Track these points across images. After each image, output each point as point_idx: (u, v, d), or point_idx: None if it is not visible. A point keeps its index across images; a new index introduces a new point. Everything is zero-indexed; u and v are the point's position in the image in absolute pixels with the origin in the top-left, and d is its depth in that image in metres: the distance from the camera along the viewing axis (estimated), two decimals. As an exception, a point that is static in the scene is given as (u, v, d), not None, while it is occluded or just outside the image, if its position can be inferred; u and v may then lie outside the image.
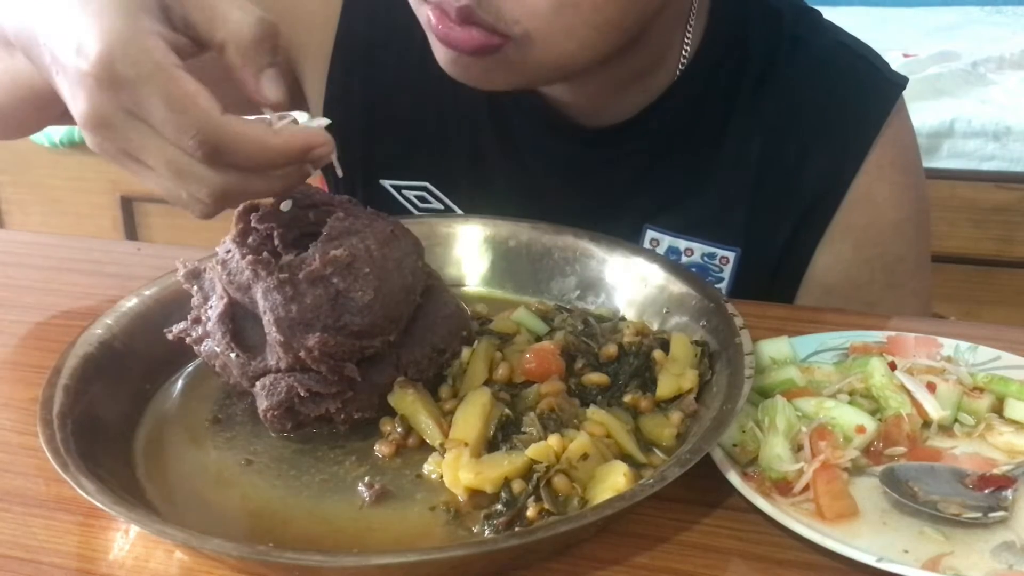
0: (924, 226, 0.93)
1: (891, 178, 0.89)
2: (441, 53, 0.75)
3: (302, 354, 0.60)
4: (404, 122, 0.94)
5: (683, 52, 0.87)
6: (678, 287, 0.74)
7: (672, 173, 0.90)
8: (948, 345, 0.71)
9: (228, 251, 0.63)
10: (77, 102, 0.54)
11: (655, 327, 0.72)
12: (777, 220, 0.89)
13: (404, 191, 0.96)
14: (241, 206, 0.65)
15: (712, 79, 0.88)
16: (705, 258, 0.90)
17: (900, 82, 0.90)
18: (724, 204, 0.89)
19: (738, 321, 0.67)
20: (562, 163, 0.91)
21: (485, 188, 0.93)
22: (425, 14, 0.74)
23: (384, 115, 0.95)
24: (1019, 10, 2.46)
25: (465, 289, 0.81)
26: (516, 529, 0.55)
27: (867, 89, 0.89)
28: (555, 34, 0.71)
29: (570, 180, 0.91)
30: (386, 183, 0.96)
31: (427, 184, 0.95)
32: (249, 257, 0.61)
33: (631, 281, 0.77)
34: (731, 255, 0.90)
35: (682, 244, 0.90)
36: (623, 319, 0.74)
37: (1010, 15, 2.45)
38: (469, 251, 0.83)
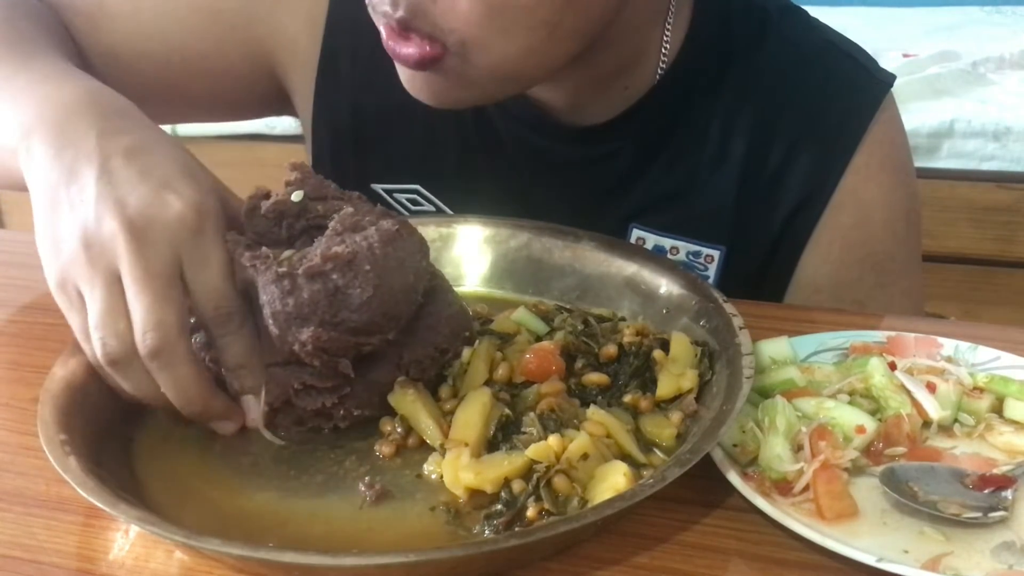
0: (915, 225, 0.93)
1: (880, 177, 0.88)
2: (400, 73, 0.76)
3: (296, 347, 0.60)
4: (392, 127, 0.95)
5: (663, 50, 0.86)
6: (678, 287, 0.74)
7: (657, 171, 0.90)
8: (948, 345, 0.71)
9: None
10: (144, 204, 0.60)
11: (655, 327, 0.72)
12: (763, 219, 0.89)
13: (395, 194, 0.96)
14: (252, 192, 0.66)
15: (696, 77, 0.87)
16: (690, 256, 0.90)
17: (888, 80, 0.90)
18: (709, 203, 0.89)
19: (738, 321, 0.67)
20: (548, 162, 0.91)
21: (473, 189, 0.93)
22: (380, 34, 0.75)
23: (372, 122, 0.95)
24: (1019, 10, 2.46)
25: (465, 289, 0.81)
26: (516, 529, 0.55)
27: (854, 87, 0.89)
28: (491, 39, 0.71)
29: (556, 179, 0.91)
30: (378, 187, 0.96)
31: (417, 187, 0.95)
32: (247, 254, 0.61)
33: (631, 281, 0.77)
34: (716, 253, 0.90)
35: (667, 243, 0.90)
36: (623, 319, 0.74)
37: (1010, 15, 2.45)
38: (469, 251, 0.83)
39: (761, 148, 0.88)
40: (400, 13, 0.70)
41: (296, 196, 0.65)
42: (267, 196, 0.65)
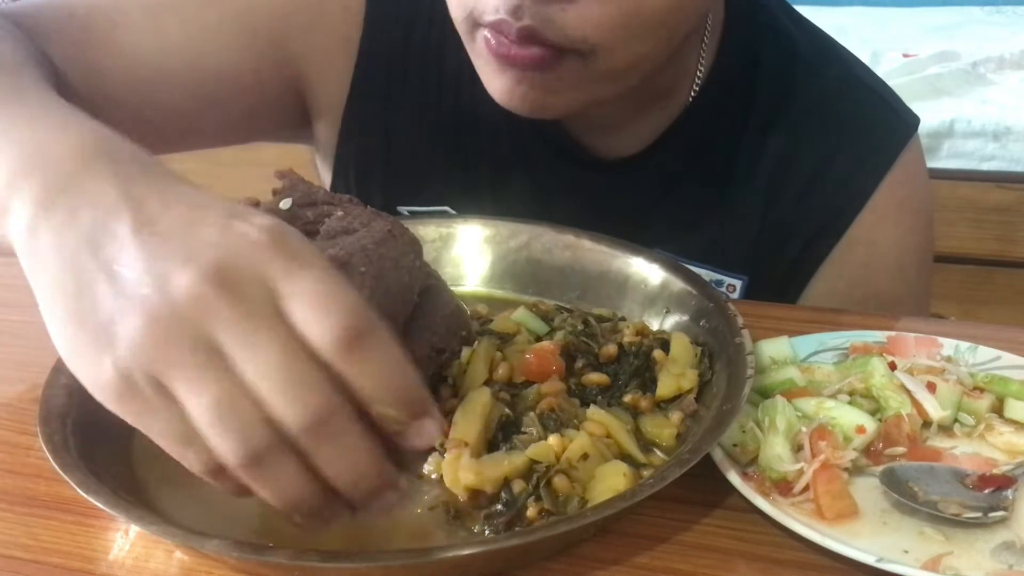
0: (927, 270, 0.92)
1: (897, 218, 0.88)
2: (499, 82, 0.73)
3: None
4: (423, 149, 0.93)
5: (697, 74, 0.86)
6: (678, 287, 0.74)
7: (683, 200, 0.90)
8: (948, 345, 0.71)
9: None
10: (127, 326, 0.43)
11: (655, 327, 0.72)
12: (782, 250, 0.89)
13: (422, 216, 0.95)
14: (240, 203, 0.65)
15: (724, 107, 0.87)
16: (712, 285, 0.89)
17: (913, 122, 0.90)
18: (732, 232, 0.89)
19: (739, 321, 0.67)
20: (580, 191, 0.91)
21: (502, 211, 0.90)
22: (481, 39, 0.73)
23: (402, 143, 0.93)
24: (1019, 10, 2.46)
25: (465, 289, 0.81)
26: (516, 529, 0.55)
27: (879, 127, 0.89)
28: (622, 44, 0.71)
29: (586, 207, 0.90)
30: (404, 209, 0.94)
31: (446, 208, 0.94)
32: None
33: (631, 281, 0.77)
34: (738, 283, 0.89)
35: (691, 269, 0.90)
36: (623, 319, 0.74)
37: (1010, 15, 2.45)
38: (469, 251, 0.83)
39: (783, 180, 0.88)
40: (525, 22, 0.68)
41: (284, 204, 0.65)
42: (256, 206, 0.65)
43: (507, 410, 0.62)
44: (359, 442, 0.44)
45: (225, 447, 0.43)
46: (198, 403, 0.42)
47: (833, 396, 0.64)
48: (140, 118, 0.85)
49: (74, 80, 0.78)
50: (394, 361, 0.45)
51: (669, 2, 0.71)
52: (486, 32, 0.71)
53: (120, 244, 0.45)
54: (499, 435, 0.61)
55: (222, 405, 0.42)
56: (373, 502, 0.46)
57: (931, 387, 0.65)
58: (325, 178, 1.00)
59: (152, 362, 0.43)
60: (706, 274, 0.89)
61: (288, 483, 0.44)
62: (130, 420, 0.45)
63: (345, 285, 0.45)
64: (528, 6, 0.68)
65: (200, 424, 0.43)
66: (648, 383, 0.66)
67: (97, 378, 0.44)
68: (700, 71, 0.86)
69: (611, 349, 0.67)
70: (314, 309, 0.43)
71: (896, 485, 0.58)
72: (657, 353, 0.67)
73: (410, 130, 0.93)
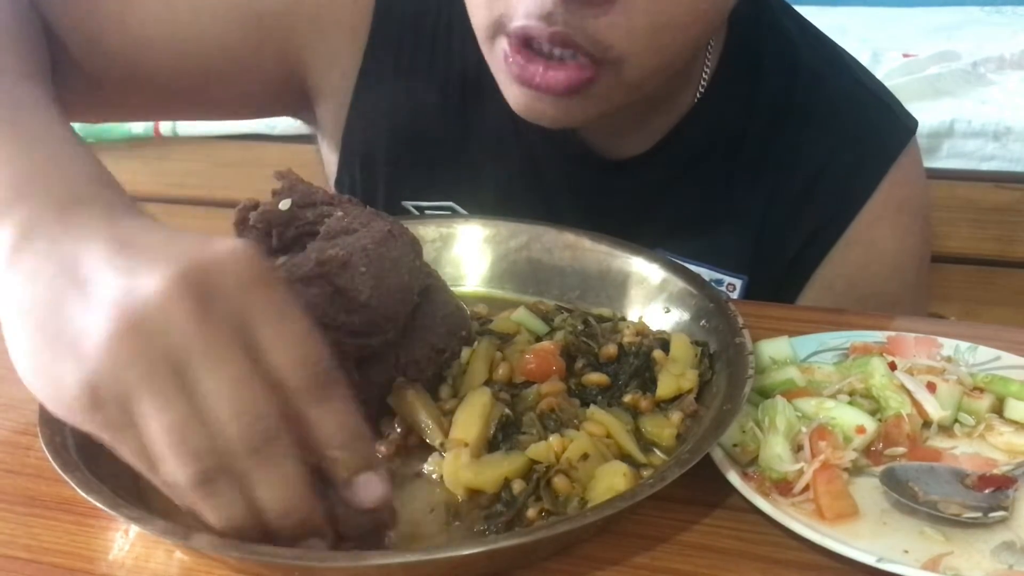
0: (924, 271, 0.93)
1: (895, 219, 0.89)
2: (516, 92, 0.73)
3: None
4: (429, 144, 0.93)
5: (703, 75, 0.87)
6: (678, 287, 0.74)
7: (685, 200, 0.90)
8: (948, 345, 0.71)
9: None
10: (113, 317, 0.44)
11: (655, 327, 0.72)
12: (782, 249, 0.90)
13: (427, 212, 0.95)
14: (240, 204, 0.65)
15: (727, 109, 0.88)
16: (713, 284, 0.90)
17: (911, 125, 0.91)
18: (733, 232, 0.89)
19: (739, 321, 0.67)
20: (584, 190, 0.91)
21: (506, 210, 0.91)
22: (502, 52, 0.72)
23: (409, 137, 0.94)
24: (1019, 10, 2.45)
25: (465, 289, 0.81)
26: (516, 529, 0.55)
27: (878, 130, 0.89)
28: (647, 55, 0.70)
29: (589, 206, 0.91)
30: (408, 204, 0.95)
31: (452, 204, 0.94)
32: None
33: (631, 281, 0.77)
34: (738, 283, 0.90)
35: (691, 269, 0.90)
36: (623, 319, 0.74)
37: (1010, 15, 2.45)
38: (469, 251, 0.83)
39: (785, 180, 0.88)
40: (558, 28, 0.68)
41: (284, 204, 0.65)
42: (255, 207, 0.65)
43: (507, 410, 0.62)
44: (294, 477, 0.46)
45: (177, 468, 0.44)
46: (157, 426, 0.44)
47: (833, 396, 0.64)
48: (141, 90, 0.87)
49: (75, 51, 0.81)
50: (353, 413, 0.47)
51: (695, 12, 0.71)
52: (507, 48, 0.71)
53: (96, 265, 0.46)
54: (499, 435, 0.61)
55: (178, 429, 0.44)
56: (299, 540, 0.48)
57: (931, 387, 0.65)
58: (331, 165, 1.00)
59: (118, 378, 0.44)
60: (706, 273, 0.89)
61: (230, 508, 0.46)
62: (100, 435, 0.46)
63: (314, 334, 0.47)
64: (560, 13, 0.67)
65: (157, 446, 0.44)
66: (648, 383, 0.66)
67: (61, 394, 0.46)
68: (705, 74, 0.87)
69: (611, 349, 0.67)
70: (291, 351, 0.45)
71: (896, 485, 0.58)
72: (657, 353, 0.67)
73: (415, 125, 0.93)
